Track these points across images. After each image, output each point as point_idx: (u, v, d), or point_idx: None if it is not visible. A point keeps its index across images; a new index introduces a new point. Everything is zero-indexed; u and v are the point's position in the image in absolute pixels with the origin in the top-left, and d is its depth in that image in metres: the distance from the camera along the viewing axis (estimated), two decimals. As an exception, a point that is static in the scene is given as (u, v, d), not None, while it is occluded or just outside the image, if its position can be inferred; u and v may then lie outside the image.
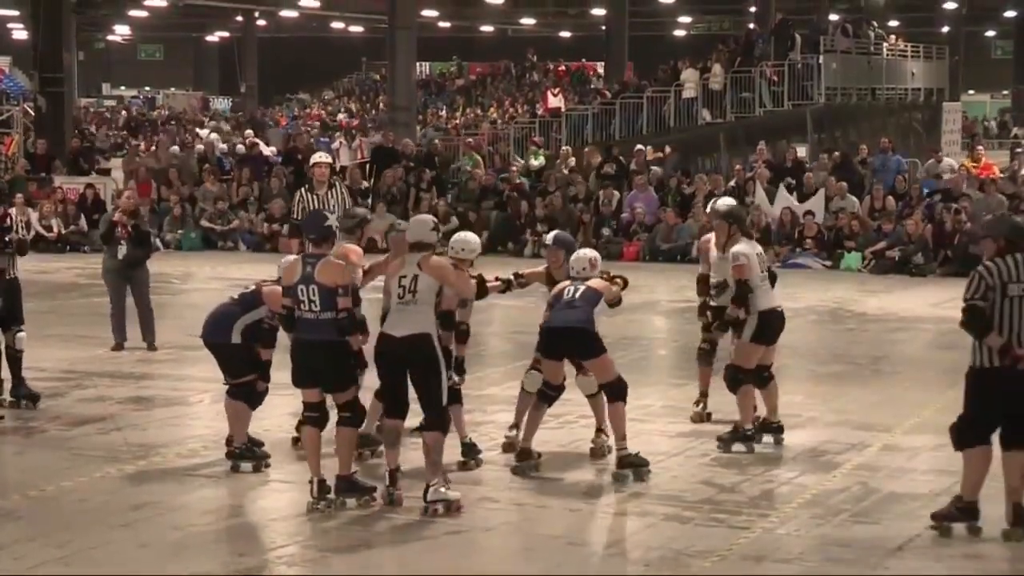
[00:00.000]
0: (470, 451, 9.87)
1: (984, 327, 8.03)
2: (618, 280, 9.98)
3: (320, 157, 13.44)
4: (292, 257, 9.53)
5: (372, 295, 9.97)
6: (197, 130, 43.25)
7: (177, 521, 8.58)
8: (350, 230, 9.92)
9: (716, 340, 11.04)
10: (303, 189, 13.07)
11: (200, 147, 31.01)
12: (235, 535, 8.51)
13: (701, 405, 11.24)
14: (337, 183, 13.32)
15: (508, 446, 10.16)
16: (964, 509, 8.25)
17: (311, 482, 8.76)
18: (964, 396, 8.29)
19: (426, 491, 8.62)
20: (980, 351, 8.11)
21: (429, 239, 8.91)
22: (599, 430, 10.15)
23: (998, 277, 8.05)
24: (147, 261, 14.71)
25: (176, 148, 31.61)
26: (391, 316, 8.86)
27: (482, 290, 9.52)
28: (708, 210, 11.61)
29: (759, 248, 10.59)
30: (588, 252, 10.05)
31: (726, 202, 11.06)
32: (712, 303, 10.93)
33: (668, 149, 28.07)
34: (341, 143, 36.51)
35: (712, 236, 10.91)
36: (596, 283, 9.74)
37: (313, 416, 8.89)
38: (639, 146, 27.52)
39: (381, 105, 47.56)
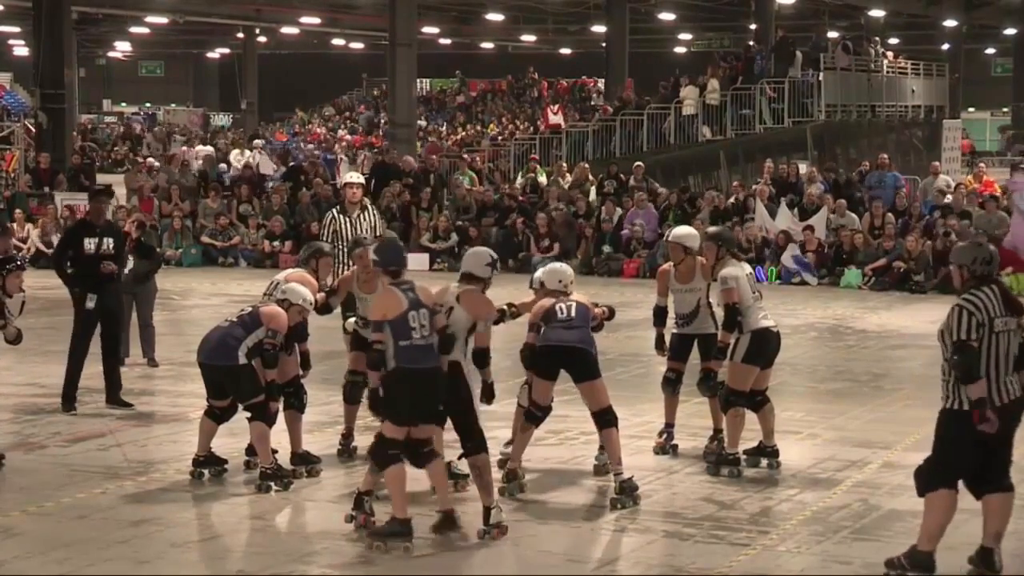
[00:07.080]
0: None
1: (976, 372, 7.49)
2: (604, 309, 9.95)
3: (352, 177, 13.12)
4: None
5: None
6: (199, 147, 43.26)
7: (176, 538, 8.57)
8: (304, 260, 10.27)
9: (682, 369, 10.70)
10: (335, 210, 12.73)
11: (199, 163, 31.01)
12: (234, 552, 8.51)
13: (665, 436, 10.77)
14: (369, 205, 13.06)
15: (503, 462, 10.15)
16: (919, 560, 7.65)
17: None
18: (935, 437, 7.71)
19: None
20: (957, 393, 7.57)
21: (484, 273, 8.83)
22: (603, 447, 10.10)
23: (985, 312, 7.60)
24: (155, 276, 14.72)
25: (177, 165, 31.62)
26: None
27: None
28: (667, 239, 11.00)
29: (748, 268, 10.33)
30: (565, 266, 10.03)
31: (687, 230, 10.80)
32: (676, 331, 10.65)
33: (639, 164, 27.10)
34: (342, 159, 36.55)
35: (669, 266, 10.64)
36: (581, 297, 9.72)
37: (423, 453, 8.53)
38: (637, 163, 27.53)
39: (381, 122, 47.58)
